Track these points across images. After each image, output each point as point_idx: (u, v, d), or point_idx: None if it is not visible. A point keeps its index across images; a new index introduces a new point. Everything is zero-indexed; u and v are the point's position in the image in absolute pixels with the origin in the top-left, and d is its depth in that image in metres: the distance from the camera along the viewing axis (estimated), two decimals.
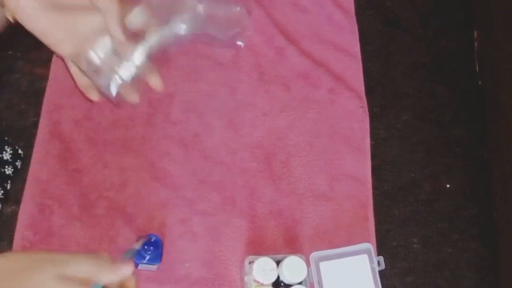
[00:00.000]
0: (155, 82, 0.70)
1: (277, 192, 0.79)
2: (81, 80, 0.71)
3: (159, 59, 0.69)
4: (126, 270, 0.58)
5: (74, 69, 0.71)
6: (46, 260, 0.55)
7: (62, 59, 0.71)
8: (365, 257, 0.72)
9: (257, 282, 0.69)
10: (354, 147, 0.82)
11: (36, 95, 0.79)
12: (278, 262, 0.69)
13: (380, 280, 0.72)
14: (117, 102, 0.68)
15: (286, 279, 0.69)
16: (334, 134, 0.83)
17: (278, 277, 0.69)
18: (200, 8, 0.68)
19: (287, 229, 0.77)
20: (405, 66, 0.90)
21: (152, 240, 0.69)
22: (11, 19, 0.65)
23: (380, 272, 0.72)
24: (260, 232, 0.76)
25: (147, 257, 0.69)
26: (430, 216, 0.82)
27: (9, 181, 0.73)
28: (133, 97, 0.69)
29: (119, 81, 0.66)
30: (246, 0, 0.85)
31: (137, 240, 0.71)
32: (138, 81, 0.69)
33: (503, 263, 0.80)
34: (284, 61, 0.86)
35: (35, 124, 0.77)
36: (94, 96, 0.70)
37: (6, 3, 0.63)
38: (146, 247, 0.69)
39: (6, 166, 0.73)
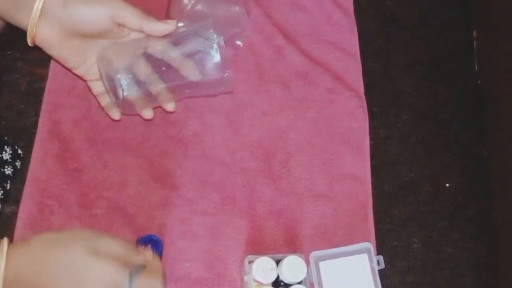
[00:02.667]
0: (169, 106, 0.74)
1: (277, 191, 0.79)
2: (104, 100, 0.72)
3: (177, 90, 0.71)
4: (148, 253, 0.61)
5: (97, 90, 0.72)
6: (78, 236, 0.57)
7: (82, 79, 0.72)
8: (364, 256, 0.72)
9: (257, 281, 0.69)
10: (353, 146, 0.82)
11: (35, 95, 0.79)
12: (277, 262, 0.69)
13: (379, 280, 0.72)
14: (124, 106, 0.69)
15: (285, 278, 0.69)
16: (333, 134, 0.83)
17: (278, 277, 0.69)
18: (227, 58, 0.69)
19: (287, 228, 0.77)
20: (404, 65, 0.90)
21: (152, 241, 0.69)
22: (30, 43, 0.66)
23: (380, 271, 0.72)
24: (259, 231, 0.76)
25: None
26: (430, 215, 0.82)
27: (8, 181, 0.73)
28: (147, 112, 0.73)
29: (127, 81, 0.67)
30: (245, 0, 0.85)
31: (137, 240, 0.71)
32: (151, 99, 0.71)
33: (502, 262, 0.80)
34: (283, 60, 0.86)
35: (35, 124, 0.77)
36: (116, 114, 0.72)
37: (28, 31, 0.64)
38: (145, 247, 0.69)
39: (6, 166, 0.73)
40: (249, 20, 0.86)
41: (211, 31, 0.68)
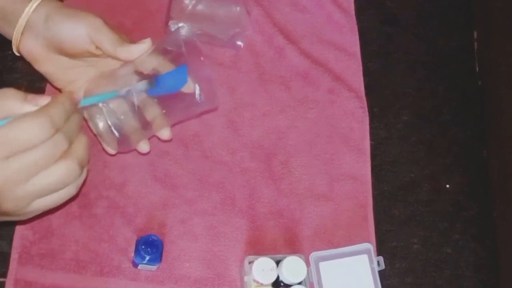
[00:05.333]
0: (164, 133, 0.70)
1: (277, 192, 0.79)
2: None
3: (171, 115, 0.69)
4: (44, 100, 0.52)
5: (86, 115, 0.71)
6: None
7: None
8: (364, 257, 0.72)
9: (257, 282, 0.69)
10: (353, 147, 0.82)
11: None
12: (277, 262, 0.70)
13: (379, 280, 0.72)
14: (119, 141, 0.66)
15: (285, 279, 0.69)
16: (333, 134, 0.83)
17: (278, 277, 0.69)
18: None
19: (287, 229, 0.77)
20: (405, 66, 0.90)
21: (152, 241, 0.69)
22: (16, 53, 0.66)
23: (380, 272, 0.72)
24: (259, 232, 0.76)
25: (147, 258, 0.69)
26: (430, 216, 0.82)
27: None
28: (144, 146, 0.70)
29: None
30: (245, 0, 0.85)
31: (137, 240, 0.71)
32: (146, 129, 0.69)
33: (502, 263, 0.80)
34: (284, 61, 0.86)
35: None
36: (112, 149, 0.69)
37: (12, 43, 0.64)
38: (145, 247, 0.69)
39: None
40: (249, 20, 0.86)
41: (181, 41, 0.65)
